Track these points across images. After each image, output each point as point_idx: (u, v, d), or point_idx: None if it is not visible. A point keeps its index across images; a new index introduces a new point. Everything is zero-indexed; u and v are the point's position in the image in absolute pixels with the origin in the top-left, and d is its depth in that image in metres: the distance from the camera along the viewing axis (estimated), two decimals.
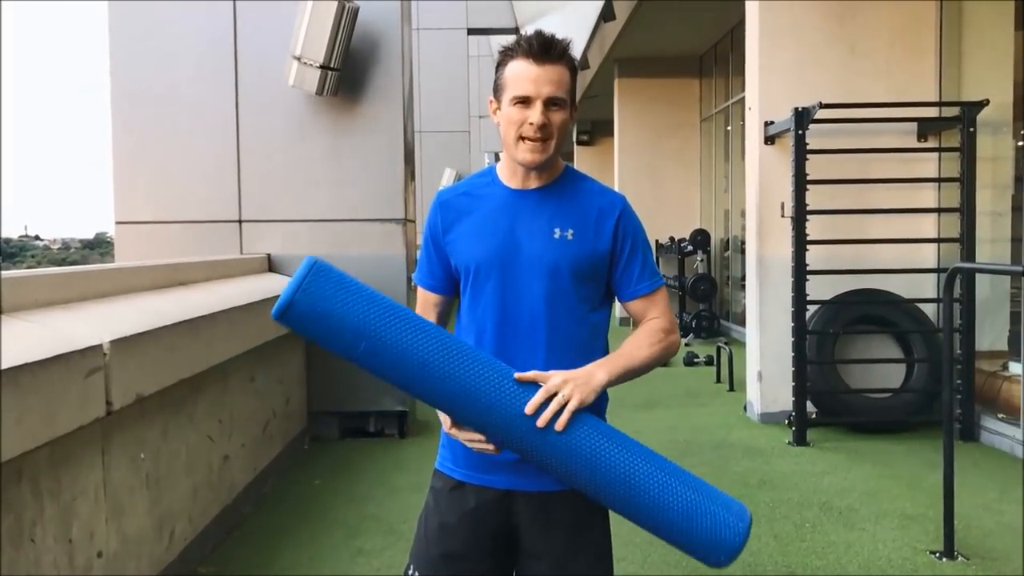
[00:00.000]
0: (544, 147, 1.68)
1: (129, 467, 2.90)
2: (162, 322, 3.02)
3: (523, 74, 1.65)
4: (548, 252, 1.70)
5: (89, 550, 2.57)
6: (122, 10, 5.56)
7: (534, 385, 1.58)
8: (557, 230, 1.71)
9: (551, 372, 1.60)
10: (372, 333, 1.52)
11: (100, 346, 2.49)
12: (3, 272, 2.64)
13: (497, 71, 1.72)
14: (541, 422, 1.53)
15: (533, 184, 1.75)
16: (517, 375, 1.57)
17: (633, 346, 1.73)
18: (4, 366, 2.00)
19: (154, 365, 2.89)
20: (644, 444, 1.64)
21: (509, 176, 1.77)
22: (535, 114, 1.65)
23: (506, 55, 1.70)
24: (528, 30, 1.79)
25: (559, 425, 1.54)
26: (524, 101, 1.66)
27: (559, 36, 1.69)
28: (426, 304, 1.85)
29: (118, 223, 5.62)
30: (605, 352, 1.77)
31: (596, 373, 1.63)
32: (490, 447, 1.64)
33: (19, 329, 2.37)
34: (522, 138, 1.67)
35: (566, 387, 1.57)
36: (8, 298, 2.54)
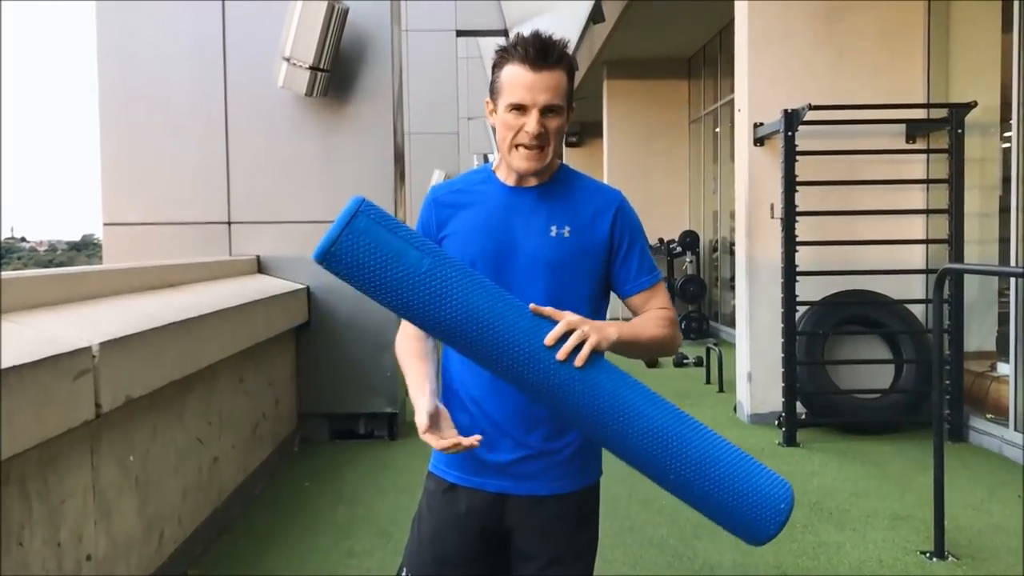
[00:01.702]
0: (540, 155, 1.65)
1: (118, 469, 2.88)
2: (151, 324, 3.00)
3: (519, 81, 1.62)
4: (545, 250, 1.68)
5: (78, 553, 2.55)
6: (110, 10, 5.53)
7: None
8: (554, 228, 1.69)
9: (567, 312, 1.54)
10: (435, 251, 1.48)
11: (89, 348, 2.47)
12: None
13: (493, 72, 1.68)
14: (561, 354, 1.47)
15: (529, 182, 1.73)
16: (532, 307, 1.50)
17: (643, 320, 1.71)
18: None
19: (143, 367, 2.87)
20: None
21: (505, 174, 1.75)
22: (531, 123, 1.62)
23: (503, 57, 1.66)
24: (516, 32, 1.73)
25: (579, 360, 1.47)
26: (519, 108, 1.63)
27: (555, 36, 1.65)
28: None
29: (106, 224, 5.57)
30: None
31: (608, 327, 1.58)
32: (466, 443, 1.56)
33: (7, 331, 2.34)
34: (517, 145, 1.65)
35: (584, 325, 1.51)
36: None
